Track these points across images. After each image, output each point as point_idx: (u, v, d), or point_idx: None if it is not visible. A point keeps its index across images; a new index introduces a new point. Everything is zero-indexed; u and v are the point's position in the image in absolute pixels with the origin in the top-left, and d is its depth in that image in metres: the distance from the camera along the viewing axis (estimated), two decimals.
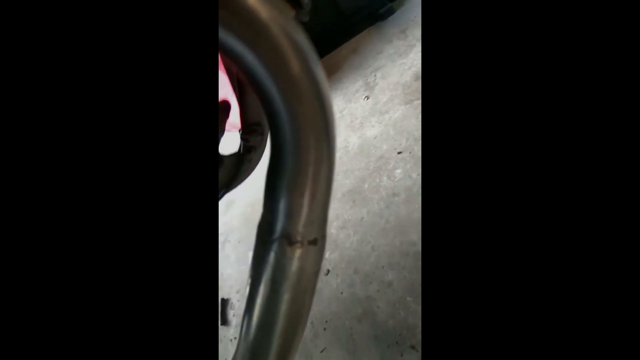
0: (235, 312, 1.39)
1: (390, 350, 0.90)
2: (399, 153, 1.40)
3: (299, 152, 0.34)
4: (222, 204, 1.91)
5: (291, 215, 0.36)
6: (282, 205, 0.36)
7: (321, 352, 1.02)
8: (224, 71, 0.55)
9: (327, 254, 1.26)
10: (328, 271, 1.21)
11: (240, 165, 0.63)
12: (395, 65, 1.91)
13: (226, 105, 0.60)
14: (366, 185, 1.39)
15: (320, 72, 0.34)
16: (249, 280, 0.39)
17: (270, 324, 0.38)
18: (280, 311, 0.38)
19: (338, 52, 2.48)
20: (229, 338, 1.31)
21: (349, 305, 1.08)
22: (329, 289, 1.16)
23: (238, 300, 1.42)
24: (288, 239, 0.36)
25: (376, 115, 1.69)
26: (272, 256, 0.37)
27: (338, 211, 1.38)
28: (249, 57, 0.30)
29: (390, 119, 1.60)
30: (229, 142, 0.68)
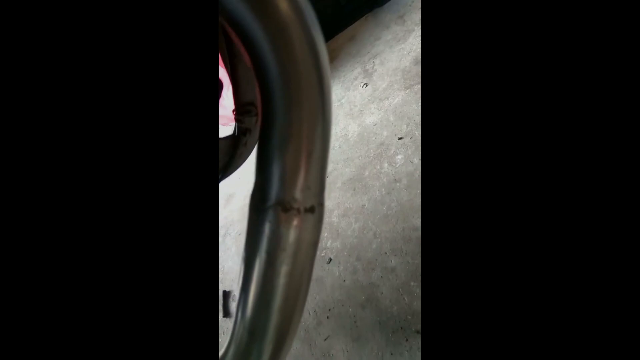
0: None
1: (395, 335, 0.89)
2: (400, 139, 1.37)
3: (290, 105, 0.31)
4: (222, 197, 1.89)
5: (285, 179, 0.33)
6: (275, 169, 0.33)
7: (325, 340, 1.00)
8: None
9: (328, 243, 1.24)
10: (330, 260, 1.19)
11: (236, 149, 0.60)
12: (394, 50, 1.88)
13: (218, 84, 0.57)
14: (367, 173, 1.37)
15: (312, 16, 0.31)
16: (244, 255, 0.37)
17: (268, 300, 0.36)
18: (278, 285, 0.35)
19: (335, 41, 2.44)
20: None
21: (352, 292, 1.06)
22: (332, 277, 1.14)
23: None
24: (283, 207, 0.33)
25: (375, 102, 1.66)
26: (266, 226, 0.34)
27: (339, 199, 1.36)
28: None
29: (390, 105, 1.57)
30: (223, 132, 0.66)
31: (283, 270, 0.35)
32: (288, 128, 0.32)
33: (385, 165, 1.33)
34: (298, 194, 0.33)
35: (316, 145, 0.33)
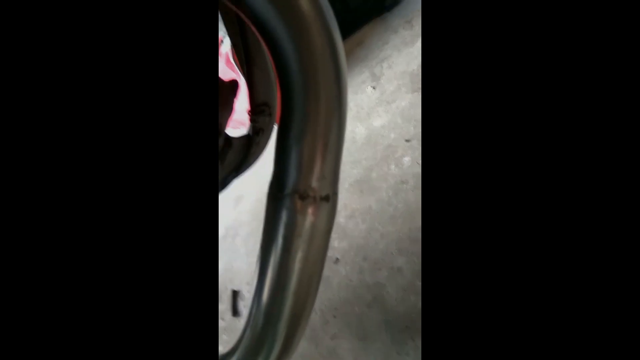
0: (246, 304, 1.40)
1: (401, 334, 0.89)
2: (407, 141, 1.38)
3: (309, 99, 0.32)
4: (232, 198, 1.92)
5: (302, 169, 0.34)
6: (292, 159, 0.34)
7: (331, 338, 1.01)
8: (232, 50, 0.54)
9: (335, 243, 1.25)
10: (337, 259, 1.20)
11: (249, 148, 0.63)
12: (402, 54, 1.89)
13: (234, 85, 0.60)
14: (374, 174, 1.38)
15: (331, 15, 0.33)
16: (261, 243, 0.39)
17: (284, 284, 0.38)
18: (293, 270, 0.37)
19: (344, 45, 2.47)
20: (240, 329, 1.32)
21: (359, 292, 1.07)
22: (338, 276, 1.15)
23: (248, 292, 1.43)
24: (300, 195, 0.35)
25: (383, 105, 1.67)
26: (283, 213, 0.36)
27: (346, 201, 1.37)
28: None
29: (397, 108, 1.58)
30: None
31: (298, 255, 0.37)
32: (306, 121, 0.34)
33: (393, 166, 1.34)
34: (314, 182, 0.35)
35: (332, 137, 0.35)
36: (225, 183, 0.60)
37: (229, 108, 0.59)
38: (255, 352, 0.42)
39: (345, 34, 2.52)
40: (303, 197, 0.35)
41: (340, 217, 1.33)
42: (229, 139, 0.57)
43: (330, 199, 0.37)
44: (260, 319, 0.40)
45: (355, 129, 1.68)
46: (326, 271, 1.19)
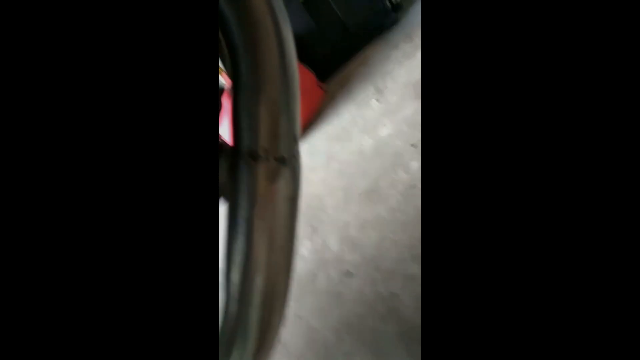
0: None
1: (417, 346, 0.81)
2: (413, 146, 1.34)
3: (251, 64, 0.32)
4: None
5: (252, 129, 0.33)
6: (244, 123, 0.33)
7: (345, 356, 0.93)
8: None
9: (347, 256, 1.20)
10: (349, 272, 1.14)
11: None
12: (403, 67, 1.90)
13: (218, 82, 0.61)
14: (383, 183, 1.34)
15: None
16: (225, 222, 0.36)
17: (253, 256, 0.35)
18: (259, 244, 0.34)
19: (347, 66, 2.53)
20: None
21: (373, 305, 1.00)
22: (351, 291, 1.09)
23: None
24: (252, 156, 0.33)
25: (388, 115, 1.66)
26: (240, 178, 0.34)
27: (355, 212, 1.33)
28: None
29: (402, 116, 1.56)
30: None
31: (261, 225, 0.34)
32: (252, 84, 0.33)
33: (401, 172, 1.30)
34: (266, 142, 0.33)
35: (280, 97, 0.34)
36: None
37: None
38: (230, 344, 0.38)
39: (347, 56, 2.59)
40: (255, 157, 0.33)
41: (351, 230, 1.28)
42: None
43: (287, 161, 0.35)
44: (233, 306, 0.37)
45: (362, 142, 1.67)
46: (338, 287, 1.13)
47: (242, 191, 0.34)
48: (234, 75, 0.34)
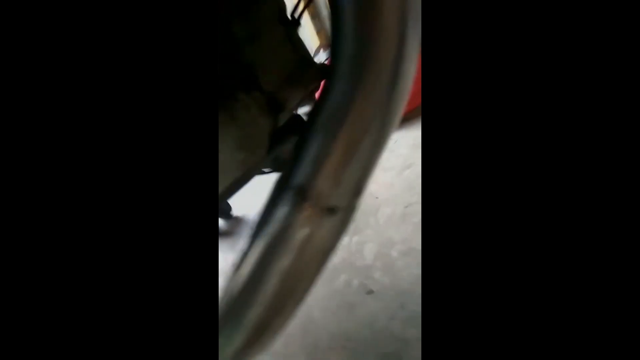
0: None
1: None
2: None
3: (356, 76, 0.26)
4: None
5: (316, 165, 0.28)
6: (311, 151, 0.28)
7: None
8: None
9: (377, 274, 1.13)
10: (371, 291, 1.08)
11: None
12: None
13: (324, 68, 0.56)
14: None
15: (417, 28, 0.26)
16: (251, 233, 0.33)
17: (255, 290, 0.31)
18: (270, 279, 0.31)
19: None
20: None
21: (379, 336, 0.94)
22: (364, 309, 1.04)
23: None
24: (302, 194, 0.29)
25: None
26: (279, 209, 0.30)
27: (407, 236, 1.23)
28: None
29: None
30: None
31: (280, 264, 0.30)
32: (344, 109, 0.27)
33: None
34: (324, 185, 0.28)
35: (366, 142, 0.27)
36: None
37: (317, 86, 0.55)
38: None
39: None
40: (305, 198, 0.28)
41: (394, 251, 1.20)
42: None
43: (338, 212, 0.29)
44: (222, 317, 0.34)
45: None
46: (353, 298, 1.08)
47: (277, 221, 0.29)
48: (325, 89, 0.28)
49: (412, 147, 1.74)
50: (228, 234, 1.79)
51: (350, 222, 0.32)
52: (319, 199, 0.29)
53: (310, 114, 0.29)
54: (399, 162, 1.67)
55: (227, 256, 1.57)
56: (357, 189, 0.30)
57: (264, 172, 0.56)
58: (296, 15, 0.43)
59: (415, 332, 0.90)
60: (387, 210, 1.41)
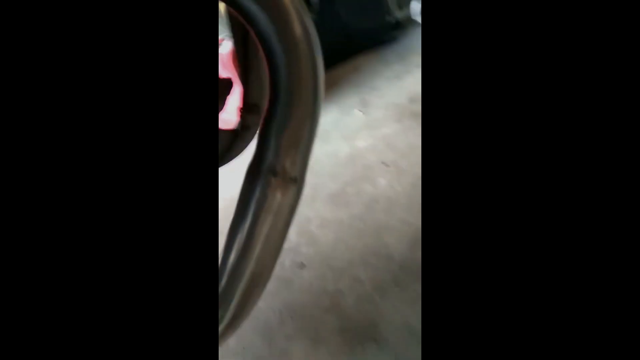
0: None
1: (354, 339, 0.94)
2: (384, 164, 1.48)
3: (292, 95, 0.40)
4: None
5: (278, 153, 0.42)
6: (271, 145, 0.42)
7: (286, 339, 1.04)
8: (231, 53, 0.62)
9: (303, 249, 1.30)
10: (302, 265, 1.24)
11: (234, 142, 0.69)
12: (392, 86, 2.03)
13: (228, 83, 0.66)
14: (350, 190, 1.46)
15: (317, 42, 0.41)
16: (235, 213, 0.44)
17: (250, 250, 0.43)
18: (259, 238, 0.43)
19: (339, 69, 2.60)
20: None
21: (318, 297, 1.11)
22: (300, 280, 1.19)
23: None
24: (273, 172, 0.42)
25: (368, 129, 1.78)
26: (258, 188, 0.43)
27: (320, 211, 1.43)
28: (262, 18, 0.37)
29: (381, 134, 1.69)
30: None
31: (265, 226, 0.43)
32: (287, 118, 0.42)
33: (368, 186, 1.42)
34: (287, 164, 0.42)
35: (305, 132, 0.43)
36: None
37: (221, 104, 0.65)
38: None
39: (340, 59, 2.66)
40: (276, 174, 0.42)
41: (312, 226, 1.38)
42: None
43: (297, 181, 0.44)
44: (224, 279, 0.45)
45: (339, 147, 1.77)
46: (290, 274, 1.22)
47: (257, 198, 0.43)
48: (272, 105, 0.42)
49: None
50: None
51: (303, 188, 0.46)
52: (284, 173, 0.42)
53: (264, 124, 0.42)
54: None
55: None
56: (304, 165, 0.45)
57: None
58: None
59: (346, 283, 1.11)
60: None
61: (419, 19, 2.20)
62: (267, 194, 0.43)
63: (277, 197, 0.43)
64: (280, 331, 1.06)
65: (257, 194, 0.43)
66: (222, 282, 0.46)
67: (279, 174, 0.43)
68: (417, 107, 1.78)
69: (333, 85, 2.42)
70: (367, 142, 1.69)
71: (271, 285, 1.23)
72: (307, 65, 0.40)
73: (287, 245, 1.38)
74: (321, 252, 1.26)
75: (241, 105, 0.67)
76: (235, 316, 0.48)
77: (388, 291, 1.03)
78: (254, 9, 0.37)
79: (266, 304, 1.17)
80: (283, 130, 0.42)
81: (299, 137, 0.43)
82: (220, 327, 0.48)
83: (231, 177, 0.85)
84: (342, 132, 1.88)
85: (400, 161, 1.47)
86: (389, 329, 0.93)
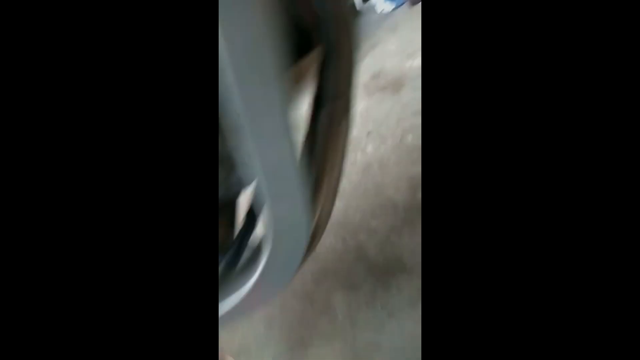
0: None
1: (385, 276, 1.09)
2: (368, 134, 1.65)
3: (340, 46, 0.55)
4: None
5: (337, 86, 0.57)
6: (330, 77, 0.56)
7: (326, 292, 1.17)
8: None
9: None
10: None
11: None
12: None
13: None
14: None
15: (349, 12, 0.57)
16: (305, 138, 0.58)
17: (327, 150, 0.58)
18: (335, 138, 0.58)
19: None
20: None
21: (343, 254, 1.25)
22: (323, 247, 1.33)
23: None
24: (335, 97, 0.57)
25: None
26: (324, 113, 0.57)
27: None
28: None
29: (357, 110, 1.86)
30: None
31: (334, 136, 0.58)
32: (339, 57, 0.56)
33: (359, 154, 1.59)
34: (344, 88, 0.57)
35: (351, 64, 0.58)
36: None
37: None
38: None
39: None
40: (335, 97, 0.57)
41: None
42: None
43: (349, 102, 0.60)
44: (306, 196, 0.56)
45: None
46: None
47: (327, 119, 0.57)
48: (325, 53, 0.57)
49: None
50: None
51: (351, 106, 0.61)
52: (343, 95, 0.57)
53: (320, 62, 0.57)
54: None
55: None
56: (352, 89, 0.59)
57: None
58: None
59: (364, 236, 1.26)
60: None
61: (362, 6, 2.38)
62: (335, 112, 0.56)
63: (340, 116, 0.57)
64: (320, 288, 1.20)
65: (325, 117, 0.56)
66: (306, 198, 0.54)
67: (339, 98, 0.56)
68: (382, 82, 1.97)
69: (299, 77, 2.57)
70: None
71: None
72: (346, 25, 0.56)
73: None
74: (334, 220, 1.40)
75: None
76: (322, 218, 0.63)
77: (401, 231, 1.19)
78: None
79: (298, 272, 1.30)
80: (338, 63, 0.56)
81: (350, 67, 0.57)
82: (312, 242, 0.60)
83: None
84: None
85: (380, 128, 1.65)
86: (413, 259, 1.09)
